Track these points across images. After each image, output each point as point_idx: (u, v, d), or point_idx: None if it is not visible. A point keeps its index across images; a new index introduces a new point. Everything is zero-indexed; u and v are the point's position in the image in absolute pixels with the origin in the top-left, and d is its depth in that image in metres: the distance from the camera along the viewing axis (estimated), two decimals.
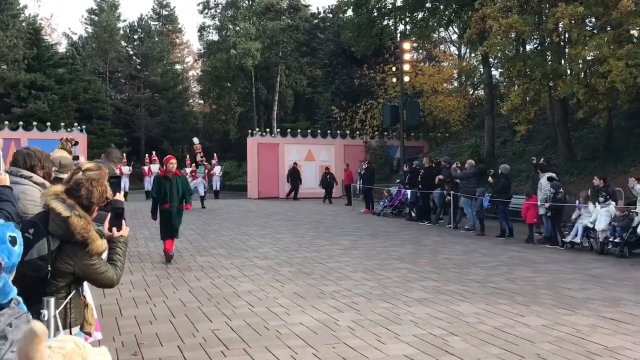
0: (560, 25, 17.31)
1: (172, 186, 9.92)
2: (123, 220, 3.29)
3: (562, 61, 19.03)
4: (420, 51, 40.00)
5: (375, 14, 28.52)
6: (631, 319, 6.30)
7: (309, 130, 31.12)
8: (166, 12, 55.15)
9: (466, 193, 15.02)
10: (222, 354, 5.07)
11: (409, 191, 18.08)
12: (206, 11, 46.47)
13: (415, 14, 27.73)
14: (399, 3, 28.26)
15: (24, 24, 40.03)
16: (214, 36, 47.18)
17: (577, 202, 12.33)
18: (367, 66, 32.52)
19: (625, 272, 9.34)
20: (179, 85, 50.58)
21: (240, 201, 25.67)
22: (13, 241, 1.99)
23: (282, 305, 6.83)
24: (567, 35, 18.96)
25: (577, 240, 11.81)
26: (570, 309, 6.74)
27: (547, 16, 17.64)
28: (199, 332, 5.72)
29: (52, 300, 2.77)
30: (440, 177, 16.35)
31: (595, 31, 17.05)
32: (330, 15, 43.49)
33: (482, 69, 28.21)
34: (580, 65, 17.50)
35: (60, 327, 2.93)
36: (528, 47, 23.84)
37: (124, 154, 28.66)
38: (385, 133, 30.21)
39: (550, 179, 12.80)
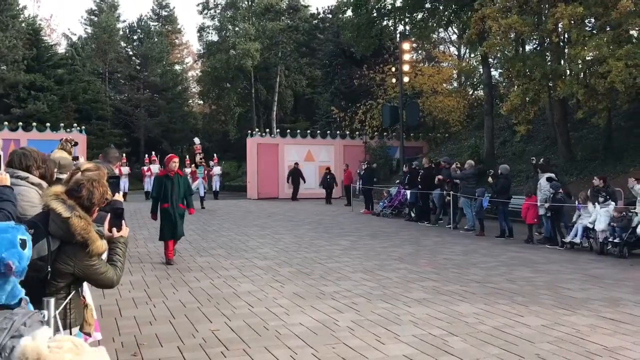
0: (560, 25, 17.32)
1: (173, 185, 9.76)
2: (123, 221, 3.29)
3: (562, 61, 19.05)
4: (420, 51, 40.04)
5: (375, 14, 28.55)
6: (631, 319, 6.30)
7: (308, 131, 31.14)
8: (166, 13, 55.16)
9: (466, 193, 15.02)
10: (222, 355, 5.07)
11: (408, 191, 18.08)
12: (206, 12, 46.47)
13: (414, 14, 27.74)
14: (398, 3, 28.29)
15: (23, 24, 40.05)
16: (213, 37, 47.20)
17: (576, 202, 12.34)
18: (366, 66, 32.55)
19: (624, 273, 9.35)
20: (179, 86, 50.59)
21: (240, 202, 25.67)
22: (23, 244, 1.99)
23: (281, 306, 6.83)
24: (566, 36, 18.99)
25: (577, 240, 11.82)
26: (569, 309, 6.74)
27: (547, 16, 17.66)
28: (198, 333, 5.72)
29: (52, 300, 2.77)
30: (440, 177, 16.35)
31: (594, 31, 17.06)
32: (330, 16, 43.51)
33: (481, 70, 28.22)
34: (580, 66, 17.52)
35: (60, 328, 2.93)
36: (527, 48, 23.86)
37: (124, 154, 28.72)
38: (385, 133, 30.22)
39: (549, 179, 12.80)
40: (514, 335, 5.64)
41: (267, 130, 33.33)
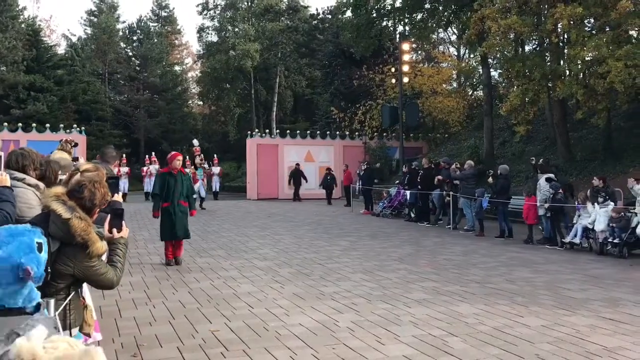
0: (559, 25, 17.33)
1: (176, 183, 9.62)
2: (123, 222, 3.29)
3: (561, 62, 19.06)
4: (420, 52, 40.08)
5: (374, 15, 28.54)
6: (630, 320, 6.30)
7: (308, 131, 31.16)
8: (165, 14, 55.18)
9: (465, 194, 15.02)
10: (222, 355, 5.07)
11: (408, 192, 18.08)
12: (205, 12, 46.50)
13: (414, 15, 27.75)
14: (398, 4, 28.30)
15: (23, 25, 40.07)
16: (213, 37, 47.24)
17: (576, 202, 12.34)
18: (366, 67, 32.57)
19: (624, 273, 9.35)
20: (178, 87, 50.60)
21: (240, 202, 25.67)
22: (39, 248, 1.99)
23: (281, 306, 6.83)
24: (566, 36, 18.99)
25: (577, 240, 11.82)
26: (569, 309, 6.74)
27: (546, 17, 17.67)
28: (198, 333, 5.72)
29: (52, 301, 2.77)
30: (440, 177, 16.35)
31: (594, 32, 17.07)
32: (330, 16, 43.51)
33: (481, 70, 28.23)
34: (579, 66, 17.53)
35: (60, 329, 2.93)
36: (527, 48, 23.86)
37: (124, 155, 28.71)
38: (385, 134, 30.23)
39: (548, 179, 12.80)
40: (514, 336, 5.64)
41: (267, 130, 33.35)
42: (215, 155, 29.29)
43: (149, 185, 26.37)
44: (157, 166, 26.73)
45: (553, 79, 17.89)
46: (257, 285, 8.05)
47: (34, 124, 27.62)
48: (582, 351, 5.19)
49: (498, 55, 23.62)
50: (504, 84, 29.18)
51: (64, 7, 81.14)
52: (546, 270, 9.49)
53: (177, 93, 49.65)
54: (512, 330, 5.85)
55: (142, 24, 50.66)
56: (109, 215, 3.25)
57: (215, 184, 27.59)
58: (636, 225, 10.84)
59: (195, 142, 26.23)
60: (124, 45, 50.07)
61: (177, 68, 53.78)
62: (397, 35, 33.85)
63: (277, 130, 37.46)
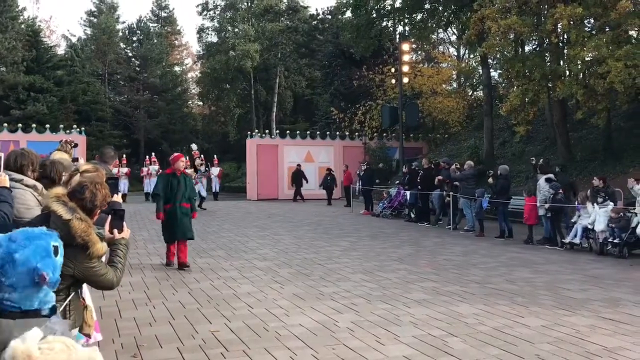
0: (559, 26, 17.34)
1: (179, 184, 9.47)
2: (124, 223, 3.29)
3: (561, 62, 19.07)
4: (419, 52, 40.07)
5: (374, 15, 28.55)
6: (630, 320, 6.30)
7: (308, 132, 31.15)
8: (165, 14, 55.17)
9: (465, 194, 15.02)
10: (222, 356, 5.07)
11: (408, 192, 18.08)
12: (205, 13, 46.48)
13: (414, 15, 27.76)
14: (397, 4, 28.30)
15: (22, 26, 40.06)
16: (213, 38, 47.22)
17: (575, 202, 12.34)
18: (366, 67, 32.57)
19: (624, 273, 9.35)
20: (178, 87, 50.58)
21: (240, 203, 25.67)
22: (55, 251, 1.98)
23: (281, 307, 6.83)
24: (565, 36, 18.99)
25: (577, 241, 11.82)
26: (569, 309, 6.74)
27: (546, 17, 17.68)
28: (198, 334, 5.71)
29: None
30: (440, 178, 16.35)
31: (594, 32, 17.08)
32: (329, 17, 43.50)
33: (481, 70, 28.24)
34: (579, 66, 17.53)
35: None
36: (527, 48, 23.87)
37: (124, 155, 28.71)
38: (385, 134, 30.23)
39: (548, 180, 12.80)
40: (514, 336, 5.64)
41: (267, 131, 33.35)
42: (215, 156, 29.30)
43: (149, 185, 26.37)
44: (156, 166, 26.75)
45: (553, 79, 17.90)
46: (257, 286, 8.05)
47: (33, 125, 27.61)
48: (582, 351, 5.19)
49: (498, 56, 23.63)
50: (503, 84, 29.20)
51: (63, 7, 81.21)
52: (546, 270, 9.49)
53: (177, 93, 49.64)
54: (512, 330, 5.85)
55: (142, 24, 50.65)
56: (109, 216, 3.25)
57: (215, 185, 27.60)
58: (636, 226, 10.83)
59: (194, 146, 26.26)
60: (124, 46, 50.06)
61: (177, 68, 53.77)
62: (397, 36, 33.86)
63: (277, 131, 37.46)
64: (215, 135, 48.88)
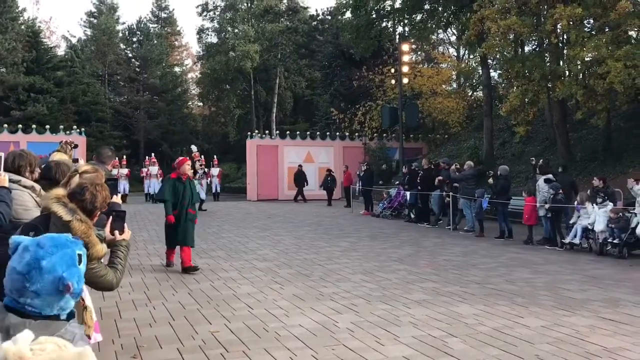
0: (559, 26, 17.35)
1: (185, 190, 9.29)
2: (125, 224, 3.29)
3: (561, 62, 19.08)
4: (419, 53, 40.07)
5: (374, 15, 28.58)
6: (630, 320, 6.30)
7: (308, 132, 31.15)
8: (165, 15, 55.21)
9: (465, 194, 15.02)
10: (222, 356, 5.08)
11: (407, 193, 18.08)
12: (205, 13, 46.51)
13: (413, 15, 27.78)
14: (397, 5, 28.33)
15: (23, 26, 40.09)
16: (212, 38, 47.25)
17: (575, 202, 12.34)
18: (365, 68, 32.58)
19: (624, 273, 9.35)
20: (178, 88, 50.61)
21: (240, 203, 25.68)
22: (79, 260, 1.99)
23: (281, 307, 6.83)
24: (565, 37, 19.01)
25: (577, 241, 11.82)
26: (569, 310, 6.74)
27: (546, 17, 17.68)
28: (198, 335, 5.72)
29: None
30: (440, 178, 16.35)
31: (593, 32, 17.08)
32: (329, 17, 43.53)
33: (480, 71, 28.24)
34: (579, 67, 17.54)
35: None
36: (527, 49, 23.90)
37: (124, 156, 28.72)
38: (385, 135, 30.23)
39: (547, 180, 12.81)
40: (514, 336, 5.65)
41: (267, 131, 33.39)
42: (215, 157, 29.29)
43: (149, 186, 26.38)
44: (156, 167, 26.74)
45: (553, 80, 17.91)
46: (257, 287, 8.06)
47: (33, 126, 27.61)
48: (582, 352, 5.19)
49: (498, 56, 23.66)
50: (503, 85, 29.22)
51: (63, 8, 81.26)
52: (546, 270, 9.49)
53: (177, 94, 49.67)
54: (511, 330, 5.86)
55: (142, 25, 50.68)
56: (110, 217, 3.25)
57: (216, 186, 27.61)
58: (636, 226, 10.84)
59: (194, 147, 26.24)
60: (124, 47, 50.10)
61: (177, 69, 53.81)
62: (397, 36, 33.91)
63: (277, 131, 37.48)
64: (215, 136, 48.90)
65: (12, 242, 1.99)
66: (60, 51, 49.04)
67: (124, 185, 25.26)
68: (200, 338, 5.60)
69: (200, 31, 47.30)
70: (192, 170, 23.06)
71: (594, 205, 11.61)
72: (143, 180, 27.59)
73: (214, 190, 27.30)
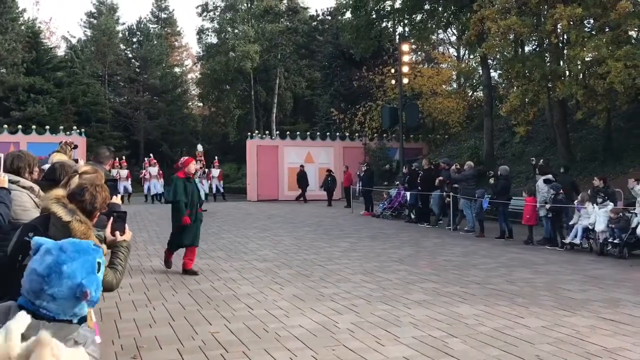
0: (559, 26, 17.35)
1: (193, 190, 9.20)
2: (126, 225, 3.29)
3: (561, 62, 19.07)
4: (419, 53, 40.06)
5: (374, 16, 28.57)
6: (630, 320, 6.29)
7: (308, 133, 31.13)
8: (165, 15, 55.25)
9: (465, 195, 15.01)
10: (222, 357, 5.07)
11: (408, 193, 18.07)
12: (205, 14, 46.52)
13: (413, 16, 27.77)
14: (397, 5, 28.32)
15: (22, 27, 40.11)
16: (212, 39, 47.27)
17: (575, 202, 12.33)
18: (366, 68, 32.56)
19: (624, 273, 9.34)
20: (178, 88, 50.64)
21: (240, 204, 25.67)
22: (98, 268, 1.99)
23: (281, 308, 6.82)
24: (565, 37, 19.00)
25: (577, 241, 11.81)
26: (569, 310, 6.74)
27: (546, 17, 17.68)
28: (198, 335, 5.71)
29: None
30: (441, 178, 16.34)
31: (593, 32, 17.07)
32: (329, 18, 43.53)
33: (481, 71, 28.24)
34: (579, 67, 17.54)
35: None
36: (527, 49, 23.89)
37: (123, 157, 28.69)
38: (385, 135, 30.21)
39: (547, 181, 12.80)
40: (514, 337, 5.64)
41: (267, 132, 33.40)
42: (215, 157, 29.26)
43: (149, 187, 26.32)
44: (156, 168, 26.71)
45: (553, 80, 17.90)
46: (257, 287, 8.05)
47: (33, 126, 27.58)
48: (582, 352, 5.18)
49: (498, 56, 23.66)
50: (503, 85, 29.23)
51: (63, 9, 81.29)
52: (546, 271, 9.48)
53: (177, 95, 49.69)
54: (512, 331, 5.85)
55: (142, 25, 50.70)
56: (111, 218, 3.24)
57: (217, 186, 27.61)
58: (636, 226, 10.83)
59: (200, 147, 26.24)
60: (124, 47, 50.12)
61: (177, 70, 53.84)
62: (397, 37, 33.88)
63: (277, 132, 37.48)
64: (215, 137, 48.92)
65: (33, 243, 1.99)
66: (60, 52, 49.15)
67: (124, 185, 25.24)
68: (200, 339, 5.59)
69: (200, 32, 47.34)
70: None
71: (595, 205, 11.61)
72: (142, 181, 27.50)
73: (214, 191, 27.29)
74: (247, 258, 10.63)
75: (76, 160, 6.23)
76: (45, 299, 1.85)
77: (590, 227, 11.60)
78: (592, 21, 18.06)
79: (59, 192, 3.11)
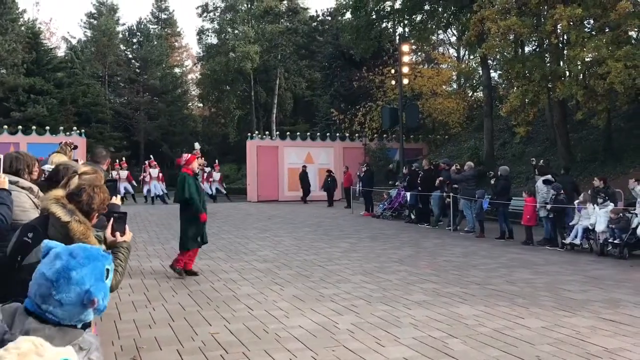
0: (559, 26, 17.34)
1: (199, 187, 9.17)
2: (126, 226, 3.28)
3: (561, 63, 19.06)
4: (419, 53, 40.05)
5: (374, 16, 28.56)
6: (631, 321, 6.29)
7: (308, 133, 31.11)
8: (165, 16, 55.27)
9: (465, 195, 15.00)
10: (222, 358, 5.06)
11: (408, 193, 18.07)
12: (205, 14, 46.55)
13: (413, 16, 27.77)
14: (397, 6, 28.31)
15: (23, 28, 40.12)
16: (213, 39, 47.30)
17: (575, 203, 12.33)
18: (366, 69, 32.56)
19: (624, 274, 9.34)
20: (178, 89, 50.66)
21: (240, 204, 25.66)
22: (107, 275, 1.99)
23: (281, 309, 6.82)
24: (565, 37, 18.99)
25: (577, 241, 11.80)
26: (570, 310, 6.73)
27: (546, 18, 17.67)
28: (198, 336, 5.71)
29: None
30: (441, 179, 16.33)
31: (593, 33, 17.07)
32: (329, 18, 43.54)
33: (481, 71, 28.24)
34: (579, 67, 17.52)
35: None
36: (527, 49, 23.88)
37: (123, 158, 28.67)
38: (385, 135, 30.20)
39: (546, 181, 12.79)
40: (514, 337, 5.63)
41: (267, 132, 33.38)
42: (216, 161, 29.20)
43: (149, 189, 26.27)
44: (157, 170, 26.69)
45: (553, 80, 17.89)
46: (257, 288, 8.04)
47: (33, 127, 27.58)
48: (583, 352, 5.18)
49: (498, 57, 23.67)
50: (503, 85, 29.22)
51: (63, 9, 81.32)
52: (546, 271, 9.47)
53: (177, 95, 49.71)
54: (512, 331, 5.84)
55: (142, 26, 50.72)
56: (111, 219, 3.23)
57: (219, 189, 27.61)
58: (636, 226, 10.82)
59: (197, 145, 26.16)
60: (124, 48, 50.14)
61: (177, 70, 53.86)
62: (397, 37, 33.87)
63: (277, 132, 37.48)
64: (215, 137, 48.93)
65: (44, 246, 1.99)
66: (60, 52, 49.16)
67: (124, 186, 25.23)
68: (200, 339, 5.59)
69: (201, 32, 47.38)
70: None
71: (595, 205, 11.60)
72: (142, 182, 27.43)
73: (214, 193, 27.27)
74: (247, 259, 10.63)
75: (76, 161, 6.22)
76: (52, 303, 1.85)
77: (590, 227, 11.59)
78: (592, 21, 18.06)
79: (59, 192, 3.10)
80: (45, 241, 2.01)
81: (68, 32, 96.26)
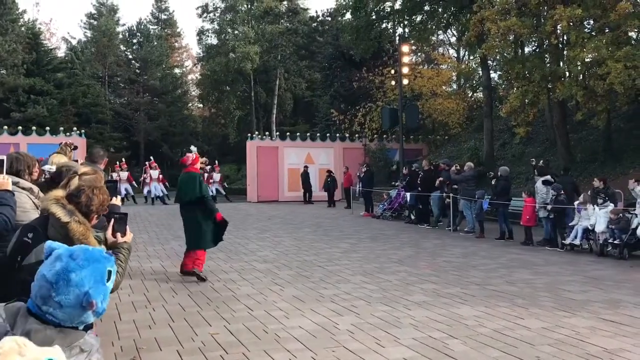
0: (559, 27, 17.34)
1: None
2: (127, 226, 3.28)
3: (561, 63, 19.05)
4: (419, 54, 40.06)
5: (374, 17, 28.57)
6: (631, 321, 6.29)
7: (308, 134, 31.09)
8: (165, 16, 55.26)
9: (465, 195, 15.01)
10: (222, 358, 5.07)
11: (408, 194, 18.07)
12: (205, 15, 46.54)
13: (413, 17, 27.77)
14: (397, 6, 28.32)
15: (23, 28, 40.12)
16: (213, 40, 47.29)
17: (575, 203, 12.33)
18: (366, 69, 32.57)
19: (624, 274, 9.34)
20: (178, 89, 50.64)
21: (240, 205, 25.66)
22: (108, 277, 1.99)
23: (281, 309, 6.82)
24: (565, 38, 18.99)
25: (577, 242, 11.80)
26: (569, 311, 6.73)
27: (546, 18, 17.67)
28: (198, 336, 5.71)
29: None
30: (441, 179, 16.33)
31: (593, 33, 17.07)
32: (329, 19, 43.55)
33: (480, 72, 28.23)
34: (579, 67, 17.52)
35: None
36: (527, 50, 23.88)
37: (123, 159, 28.65)
38: (385, 136, 30.20)
39: (545, 182, 12.79)
40: (514, 338, 5.64)
41: (267, 133, 33.39)
42: (216, 162, 29.18)
43: (154, 189, 26.23)
44: (157, 171, 26.67)
45: (553, 81, 17.89)
46: (257, 288, 8.05)
47: (34, 127, 27.58)
48: (583, 353, 5.18)
49: (498, 57, 23.67)
50: (503, 86, 29.20)
51: (63, 10, 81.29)
52: (546, 271, 9.47)
53: (177, 96, 49.69)
54: (512, 332, 5.84)
55: (142, 26, 50.70)
56: (112, 220, 3.23)
57: (219, 190, 27.60)
58: (636, 227, 10.81)
59: (193, 148, 26.11)
60: (124, 48, 50.13)
61: (177, 71, 53.84)
62: (397, 37, 33.88)
63: (277, 133, 37.48)
64: (215, 137, 48.93)
65: (46, 247, 1.99)
66: (61, 53, 49.14)
67: (125, 187, 25.21)
68: (200, 340, 5.59)
69: (201, 33, 47.36)
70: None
71: (595, 206, 11.60)
72: (142, 183, 27.39)
73: (214, 194, 27.24)
74: (247, 259, 10.63)
75: (76, 161, 6.22)
76: (52, 305, 1.85)
77: (590, 228, 11.59)
78: (592, 22, 18.06)
79: (59, 193, 3.11)
80: (48, 242, 2.01)
81: (68, 33, 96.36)
